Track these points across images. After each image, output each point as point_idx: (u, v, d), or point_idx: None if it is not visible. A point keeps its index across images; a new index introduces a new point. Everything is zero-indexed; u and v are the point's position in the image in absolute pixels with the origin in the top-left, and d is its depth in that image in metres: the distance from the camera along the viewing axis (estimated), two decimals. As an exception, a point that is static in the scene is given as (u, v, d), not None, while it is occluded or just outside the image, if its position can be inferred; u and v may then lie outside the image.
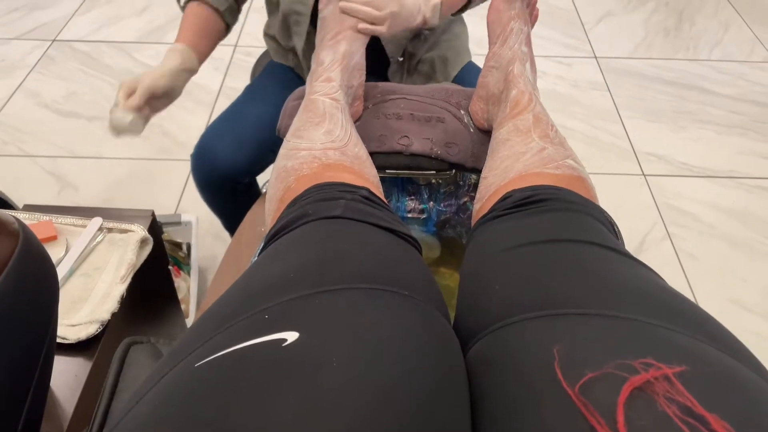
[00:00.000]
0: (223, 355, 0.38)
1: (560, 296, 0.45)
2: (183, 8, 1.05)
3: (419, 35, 1.12)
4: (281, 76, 1.20)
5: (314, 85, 0.80)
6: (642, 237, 1.65)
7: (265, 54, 1.37)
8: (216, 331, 0.41)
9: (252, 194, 1.20)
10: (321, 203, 0.57)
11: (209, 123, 1.23)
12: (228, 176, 1.09)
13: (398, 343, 0.40)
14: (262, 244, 0.60)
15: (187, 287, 1.39)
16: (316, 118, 0.73)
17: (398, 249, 0.55)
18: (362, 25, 0.84)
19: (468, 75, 1.16)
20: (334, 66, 0.81)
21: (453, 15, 1.07)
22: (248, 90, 1.21)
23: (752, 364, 0.39)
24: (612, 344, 0.38)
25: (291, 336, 0.38)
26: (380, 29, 0.86)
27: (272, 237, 0.58)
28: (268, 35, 1.22)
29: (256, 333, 0.39)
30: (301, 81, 1.18)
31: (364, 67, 0.86)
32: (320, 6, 0.86)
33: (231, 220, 1.25)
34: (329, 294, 0.43)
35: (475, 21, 2.37)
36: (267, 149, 1.11)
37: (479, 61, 0.85)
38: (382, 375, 0.36)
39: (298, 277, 0.45)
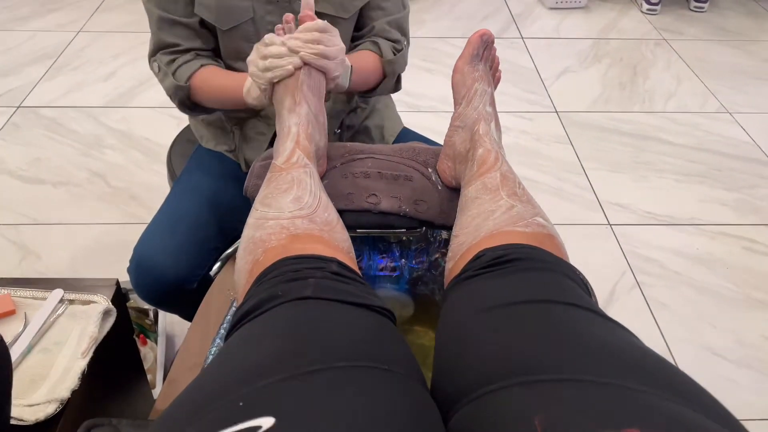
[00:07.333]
0: None
1: (536, 361, 0.44)
2: (186, 85, 0.97)
3: (355, 109, 1.15)
4: (214, 167, 1.13)
5: (282, 154, 0.78)
6: (612, 286, 1.66)
7: (181, 140, 1.31)
8: (187, 422, 0.39)
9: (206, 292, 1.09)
10: (291, 283, 0.56)
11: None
12: (173, 287, 1.00)
13: (379, 424, 0.38)
14: (231, 320, 0.58)
15: (154, 356, 1.34)
16: (284, 185, 0.72)
17: (372, 324, 0.54)
18: (304, 53, 0.79)
19: (405, 140, 1.16)
20: (301, 131, 0.80)
21: (361, 95, 1.08)
22: (180, 187, 1.12)
23: (738, 428, 0.38)
24: (594, 412, 0.37)
25: (266, 422, 0.36)
26: (330, 64, 0.82)
27: (242, 317, 0.56)
28: (205, 121, 1.15)
29: (229, 422, 0.37)
30: (236, 165, 1.13)
31: (326, 126, 0.86)
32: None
33: (189, 317, 1.13)
34: (306, 376, 0.42)
35: (440, 80, 2.43)
36: (210, 248, 1.03)
37: (448, 118, 0.87)
38: None
39: (273, 363, 0.44)
